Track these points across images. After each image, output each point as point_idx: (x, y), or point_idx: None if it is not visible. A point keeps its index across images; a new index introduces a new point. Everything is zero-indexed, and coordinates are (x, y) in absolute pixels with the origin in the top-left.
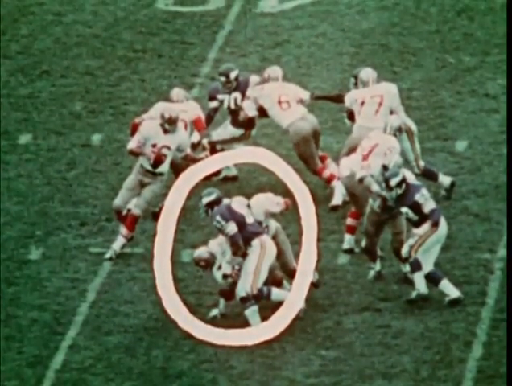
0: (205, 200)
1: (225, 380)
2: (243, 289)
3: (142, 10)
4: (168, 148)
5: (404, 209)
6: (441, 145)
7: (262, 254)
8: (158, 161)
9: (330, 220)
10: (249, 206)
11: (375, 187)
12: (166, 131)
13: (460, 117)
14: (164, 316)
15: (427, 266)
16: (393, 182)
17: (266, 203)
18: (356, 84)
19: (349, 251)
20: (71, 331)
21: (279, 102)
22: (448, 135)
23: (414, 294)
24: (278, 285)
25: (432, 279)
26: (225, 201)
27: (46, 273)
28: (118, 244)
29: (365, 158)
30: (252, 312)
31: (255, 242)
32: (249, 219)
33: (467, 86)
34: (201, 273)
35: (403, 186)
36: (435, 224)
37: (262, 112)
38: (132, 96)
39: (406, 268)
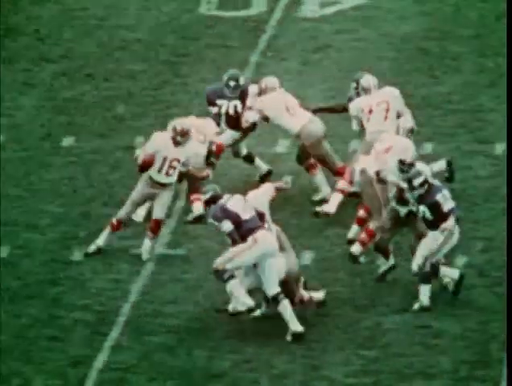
0: (203, 198)
1: (266, 380)
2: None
3: (184, 14)
4: (178, 161)
5: (422, 208)
6: (480, 148)
7: (252, 246)
8: (167, 173)
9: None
10: (246, 201)
11: (392, 177)
12: (177, 143)
13: (498, 120)
14: (206, 316)
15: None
16: (416, 182)
17: (265, 193)
18: (357, 89)
19: (352, 241)
20: (113, 331)
21: (287, 109)
22: (486, 138)
23: (416, 306)
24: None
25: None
26: (221, 201)
27: (89, 274)
28: (146, 246)
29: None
30: (283, 307)
31: (250, 238)
32: (245, 216)
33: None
34: None
35: (426, 186)
36: (450, 234)
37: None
38: (175, 100)
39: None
